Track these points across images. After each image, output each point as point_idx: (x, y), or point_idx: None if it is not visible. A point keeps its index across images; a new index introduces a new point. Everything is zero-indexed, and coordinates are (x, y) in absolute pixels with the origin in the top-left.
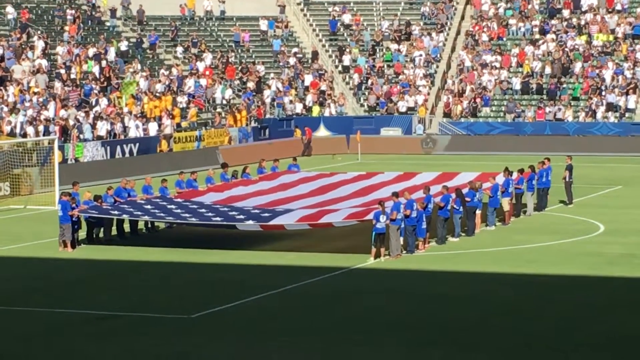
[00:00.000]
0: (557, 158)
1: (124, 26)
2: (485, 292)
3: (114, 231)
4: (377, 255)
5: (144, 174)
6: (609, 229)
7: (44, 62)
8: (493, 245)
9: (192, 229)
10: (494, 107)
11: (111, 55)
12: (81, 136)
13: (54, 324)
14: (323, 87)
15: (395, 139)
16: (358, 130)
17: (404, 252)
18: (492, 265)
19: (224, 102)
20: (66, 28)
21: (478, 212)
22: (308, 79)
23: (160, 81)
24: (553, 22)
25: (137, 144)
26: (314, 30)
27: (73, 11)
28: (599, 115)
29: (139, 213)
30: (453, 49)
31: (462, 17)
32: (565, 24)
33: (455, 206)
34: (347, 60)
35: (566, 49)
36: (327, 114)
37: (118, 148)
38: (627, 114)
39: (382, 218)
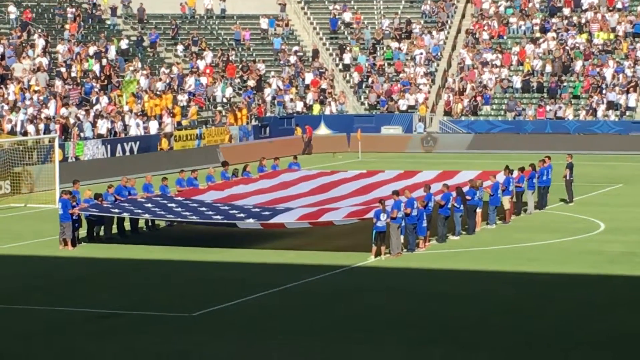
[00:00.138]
0: (558, 156)
1: (125, 24)
2: (486, 290)
3: (114, 229)
4: (378, 254)
5: (144, 172)
6: (610, 227)
7: (45, 61)
8: (494, 244)
9: (193, 227)
10: (494, 105)
11: (112, 53)
12: (82, 134)
13: (55, 322)
14: (324, 85)
15: (396, 137)
16: (359, 129)
17: (405, 250)
18: (493, 264)
19: (225, 100)
20: (67, 26)
21: (479, 210)
22: (309, 77)
23: (160, 79)
24: (554, 20)
25: (138, 143)
26: (314, 28)
27: (73, 9)
28: (599, 113)
29: (140, 211)
30: (454, 47)
31: (463, 16)
32: (565, 22)
33: (455, 204)
34: (347, 58)
35: (567, 47)
36: (327, 112)
37: (118, 146)
38: (627, 113)
39: (383, 216)
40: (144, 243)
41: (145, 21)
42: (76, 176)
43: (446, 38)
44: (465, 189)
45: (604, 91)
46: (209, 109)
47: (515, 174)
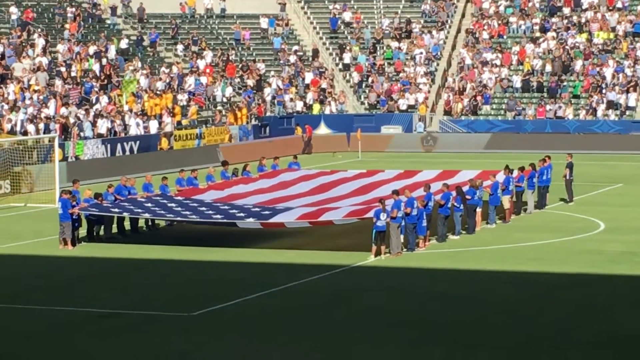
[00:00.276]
0: (558, 156)
1: (125, 24)
2: (486, 290)
3: (114, 229)
4: (378, 253)
5: (144, 171)
6: (610, 226)
7: (45, 60)
8: (493, 243)
9: (193, 226)
10: (494, 105)
11: (111, 53)
12: (81, 134)
13: (55, 322)
14: (323, 85)
15: (396, 136)
16: (358, 128)
17: (405, 250)
18: (493, 263)
19: (225, 100)
20: (67, 26)
21: (479, 210)
22: (308, 76)
23: (160, 79)
24: (553, 20)
25: (138, 142)
26: (314, 28)
27: (73, 9)
28: (599, 113)
29: (140, 211)
30: (453, 47)
31: (463, 15)
32: (565, 21)
33: (455, 204)
34: (347, 58)
35: (567, 47)
36: (327, 111)
37: (118, 146)
38: (627, 112)
39: (383, 216)
40: (143, 242)
41: (145, 21)
42: (76, 176)
43: (446, 37)
44: (465, 188)
45: (603, 91)
46: (208, 109)
47: (515, 173)
